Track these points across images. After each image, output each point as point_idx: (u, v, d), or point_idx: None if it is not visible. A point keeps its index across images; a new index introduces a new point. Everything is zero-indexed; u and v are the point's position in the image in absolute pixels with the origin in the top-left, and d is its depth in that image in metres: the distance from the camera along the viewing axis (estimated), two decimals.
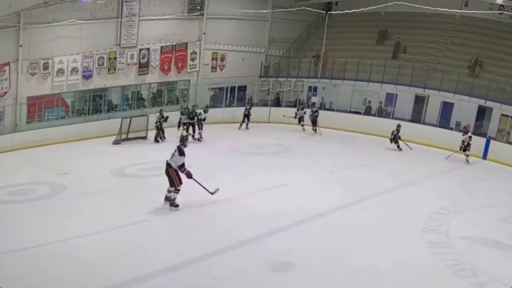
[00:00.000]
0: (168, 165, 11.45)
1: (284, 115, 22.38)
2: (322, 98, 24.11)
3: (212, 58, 24.19)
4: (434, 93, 21.24)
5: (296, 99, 24.49)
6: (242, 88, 24.82)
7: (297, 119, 21.68)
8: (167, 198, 11.74)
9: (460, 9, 19.87)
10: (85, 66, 19.66)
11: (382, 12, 24.66)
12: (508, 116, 18.88)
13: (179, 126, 20.35)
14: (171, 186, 11.57)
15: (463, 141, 17.66)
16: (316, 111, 21.40)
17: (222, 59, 24.44)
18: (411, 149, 18.93)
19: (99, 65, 20.07)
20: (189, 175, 11.55)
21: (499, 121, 19.25)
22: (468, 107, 20.14)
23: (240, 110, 22.26)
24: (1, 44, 17.14)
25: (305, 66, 24.97)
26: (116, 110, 21.14)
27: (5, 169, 14.48)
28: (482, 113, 20.09)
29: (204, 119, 19.30)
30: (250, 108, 21.85)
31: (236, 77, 24.28)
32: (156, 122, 18.93)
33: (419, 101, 21.82)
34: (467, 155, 17.60)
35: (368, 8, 19.85)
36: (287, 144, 19.25)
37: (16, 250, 9.18)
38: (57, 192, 12.82)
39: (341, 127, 21.91)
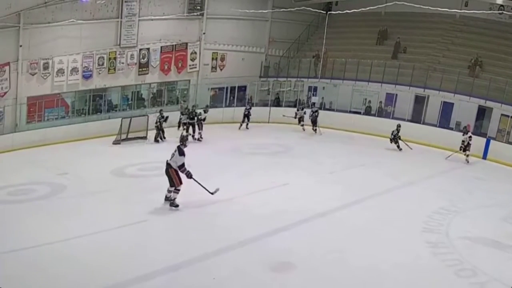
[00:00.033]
0: (168, 165, 11.46)
1: (284, 115, 22.38)
2: (322, 98, 24.11)
3: (212, 58, 24.19)
4: (434, 93, 21.24)
5: (296, 99, 24.49)
6: (242, 88, 24.82)
7: (297, 119, 21.68)
8: (167, 198, 11.74)
9: (460, 9, 19.87)
10: (85, 66, 19.66)
11: (382, 12, 24.66)
12: (508, 116, 18.88)
13: (179, 126, 20.34)
14: (171, 186, 11.58)
15: (463, 141, 17.67)
16: (316, 111, 21.40)
17: (222, 59, 24.44)
18: (411, 149, 18.93)
19: (99, 65, 20.07)
20: (189, 175, 11.56)
21: (499, 121, 19.24)
22: (468, 107, 20.14)
23: (240, 110, 22.26)
24: (1, 44, 17.14)
25: (305, 66, 24.96)
26: (116, 110, 21.14)
27: (5, 169, 14.48)
28: (482, 113, 20.09)
29: (204, 119, 19.29)
30: (250, 108, 21.86)
31: (236, 77, 24.28)
32: (156, 122, 18.93)
33: (419, 101, 21.82)
34: (467, 155, 17.59)
35: (368, 8, 19.85)
36: (287, 144, 19.25)
37: (16, 250, 9.18)
38: (57, 192, 12.82)
39: (341, 127, 21.91)
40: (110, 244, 9.77)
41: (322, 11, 25.54)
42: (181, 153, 11.41)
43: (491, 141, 18.71)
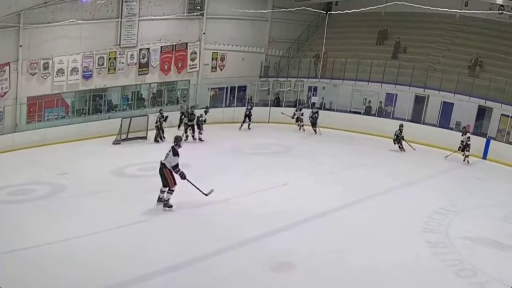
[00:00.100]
0: (163, 165, 11.38)
1: (282, 113, 22.40)
2: (322, 98, 24.12)
3: (212, 58, 24.19)
4: (434, 93, 21.24)
5: (296, 99, 24.50)
6: (242, 88, 24.83)
7: (294, 118, 21.62)
8: (160, 199, 11.66)
9: (460, 9, 19.87)
10: (85, 66, 19.66)
11: (382, 12, 24.66)
12: (508, 116, 18.88)
13: (179, 126, 20.33)
14: (164, 186, 11.49)
15: (462, 141, 17.66)
16: (317, 112, 21.30)
17: (222, 59, 24.44)
18: (414, 149, 18.84)
19: (99, 65, 20.08)
20: (182, 176, 11.47)
21: (499, 121, 19.24)
22: (468, 107, 20.15)
23: (240, 110, 22.27)
24: (1, 44, 17.14)
25: (305, 66, 24.97)
26: (116, 110, 21.14)
27: (5, 169, 14.48)
28: (482, 113, 20.09)
29: (204, 121, 19.24)
30: (251, 108, 21.85)
31: (236, 77, 24.28)
32: (156, 122, 18.93)
33: (419, 101, 21.82)
34: (467, 156, 17.57)
35: (368, 8, 19.84)
36: (287, 144, 19.25)
37: (16, 250, 9.18)
38: (57, 192, 12.82)
39: (341, 127, 21.91)
40: (110, 244, 9.76)
41: (322, 11, 25.54)
42: (175, 153, 11.34)
43: (491, 141, 18.70)
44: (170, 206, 11.51)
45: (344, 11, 21.85)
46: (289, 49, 26.24)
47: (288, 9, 23.70)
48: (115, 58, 20.54)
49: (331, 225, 11.37)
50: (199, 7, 22.66)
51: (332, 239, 10.56)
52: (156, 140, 18.73)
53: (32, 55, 18.10)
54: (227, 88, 24.23)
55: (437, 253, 10.08)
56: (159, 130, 18.87)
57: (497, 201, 13.52)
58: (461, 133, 18.05)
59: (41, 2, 17.45)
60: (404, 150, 18.75)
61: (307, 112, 21.62)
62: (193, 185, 11.64)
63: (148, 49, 21.57)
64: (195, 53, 23.39)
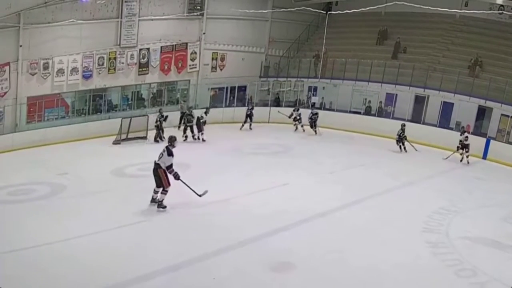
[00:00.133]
0: (157, 165, 11.33)
1: (279, 112, 22.40)
2: (322, 98, 24.13)
3: (212, 58, 24.20)
4: (434, 93, 21.24)
5: (296, 99, 24.50)
6: (242, 88, 24.83)
7: (292, 118, 21.58)
8: (153, 200, 11.62)
9: (460, 9, 19.87)
10: (85, 66, 19.66)
11: (382, 12, 24.66)
12: (508, 116, 18.88)
13: (179, 126, 20.32)
14: (158, 186, 11.44)
15: (460, 141, 17.63)
16: (316, 113, 21.21)
17: (222, 59, 24.45)
18: (417, 150, 18.77)
19: (99, 65, 20.08)
20: (176, 177, 11.41)
21: (499, 121, 19.24)
22: (468, 107, 20.15)
23: (240, 110, 22.26)
24: (1, 44, 17.14)
25: (305, 66, 24.97)
26: (116, 110, 21.14)
27: (5, 169, 14.48)
28: (482, 113, 20.09)
29: (204, 122, 19.20)
30: (252, 108, 21.86)
31: (236, 77, 24.28)
32: (156, 122, 18.93)
33: (419, 101, 21.82)
34: (467, 156, 17.55)
35: (368, 8, 19.86)
36: (287, 144, 19.25)
37: (16, 250, 9.18)
38: (57, 192, 12.82)
39: (341, 127, 21.91)
40: (110, 244, 9.76)
41: (322, 11, 25.55)
42: (170, 153, 11.29)
43: (491, 141, 18.70)
44: (164, 207, 11.46)
45: (344, 11, 21.87)
46: (289, 49, 26.24)
47: (288, 9, 23.70)
48: (115, 58, 20.54)
49: (331, 225, 11.37)
50: (199, 7, 22.66)
51: (332, 239, 10.56)
52: (156, 140, 18.72)
53: (32, 55, 18.10)
54: (227, 88, 24.23)
55: (437, 253, 10.08)
56: (159, 130, 18.86)
57: (497, 201, 13.52)
58: (459, 133, 18.03)
59: (41, 2, 17.45)
60: (406, 151, 18.69)
61: (305, 112, 21.53)
62: (187, 185, 11.58)
63: (148, 49, 21.57)
64: (195, 53, 23.40)
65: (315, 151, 18.50)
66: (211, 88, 24.19)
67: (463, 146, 17.47)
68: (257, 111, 22.39)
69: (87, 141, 18.45)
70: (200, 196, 11.71)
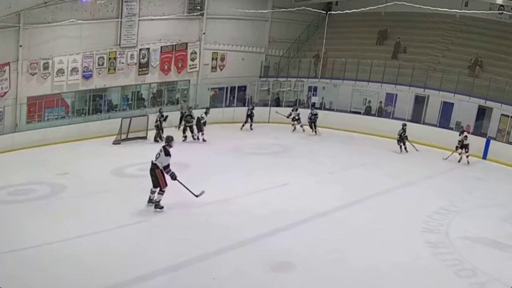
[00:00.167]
0: (155, 165, 11.29)
1: (277, 112, 22.38)
2: (322, 98, 24.13)
3: (212, 58, 24.19)
4: (434, 93, 21.24)
5: (296, 99, 24.50)
6: (242, 88, 24.83)
7: (290, 118, 21.54)
8: (150, 200, 11.58)
9: (460, 9, 19.85)
10: (85, 66, 19.66)
11: (382, 12, 24.66)
12: (508, 116, 18.87)
13: (179, 127, 20.31)
14: (155, 187, 11.41)
15: (459, 141, 17.59)
16: (316, 114, 21.16)
17: (222, 59, 24.45)
18: (418, 150, 18.72)
19: (99, 65, 20.08)
20: (173, 177, 11.36)
21: (499, 121, 19.24)
22: (468, 107, 20.15)
23: (240, 110, 22.25)
24: (1, 44, 17.14)
25: (305, 66, 24.97)
26: (116, 110, 21.14)
27: (5, 169, 14.47)
28: (482, 113, 20.09)
29: (204, 123, 19.18)
30: (253, 108, 21.81)
31: (236, 77, 24.29)
32: (156, 121, 18.94)
33: (419, 101, 21.82)
34: (467, 156, 17.54)
35: (368, 8, 19.86)
36: (287, 144, 19.25)
37: (16, 250, 9.18)
38: (57, 192, 12.82)
39: (341, 127, 21.91)
40: (110, 244, 9.76)
41: (322, 11, 25.55)
42: (167, 153, 11.24)
43: (491, 141, 18.69)
44: (161, 207, 11.43)
45: (344, 11, 21.85)
46: (289, 49, 26.24)
47: (288, 9, 23.70)
48: (115, 58, 20.54)
49: (331, 225, 11.37)
50: (199, 7, 22.65)
51: (332, 239, 10.56)
52: (156, 140, 18.70)
53: (32, 55, 18.10)
54: (227, 88, 24.22)
55: (437, 253, 10.08)
56: (159, 129, 18.86)
57: (497, 201, 13.52)
58: (458, 133, 18.03)
59: (41, 2, 17.45)
60: (407, 151, 18.66)
61: (305, 112, 21.49)
62: (184, 186, 11.55)
63: (148, 49, 21.57)
64: (195, 53, 23.40)
65: (315, 151, 18.50)
66: (211, 88, 24.19)
67: (462, 146, 17.45)
68: (257, 111, 22.37)
69: (87, 141, 18.45)
70: (197, 196, 11.68)
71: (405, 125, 18.80)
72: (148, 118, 19.34)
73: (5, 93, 17.68)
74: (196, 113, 19.37)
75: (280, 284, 8.73)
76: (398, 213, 12.19)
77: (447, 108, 20.93)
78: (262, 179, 14.32)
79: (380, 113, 22.61)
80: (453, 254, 10.06)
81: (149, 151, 17.24)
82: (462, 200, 13.43)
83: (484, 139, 18.82)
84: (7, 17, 16.68)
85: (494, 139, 18.88)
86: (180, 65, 22.93)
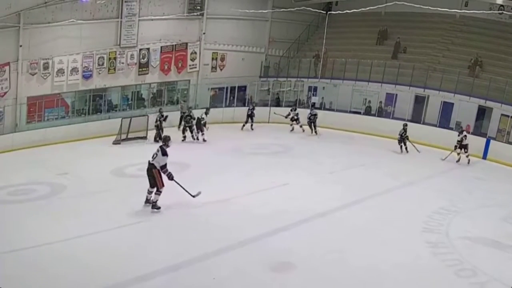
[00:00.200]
0: (152, 165, 11.26)
1: (275, 113, 22.36)
2: (322, 98, 24.13)
3: (212, 58, 24.20)
4: (434, 93, 21.24)
5: (296, 99, 24.50)
6: (242, 88, 24.84)
7: (289, 118, 21.49)
8: (147, 200, 11.55)
9: (460, 9, 19.85)
10: (85, 66, 19.67)
11: (382, 12, 24.67)
12: (508, 116, 18.88)
13: (179, 126, 20.32)
14: (151, 187, 11.38)
15: (458, 141, 17.55)
16: (315, 114, 21.10)
17: (222, 59, 24.45)
18: (419, 151, 18.59)
19: (99, 65, 20.08)
20: (170, 177, 11.33)
21: (499, 121, 19.24)
22: (468, 107, 20.15)
23: (240, 110, 22.24)
24: (1, 44, 17.15)
25: (305, 66, 24.98)
26: (116, 110, 21.15)
27: (5, 169, 14.48)
28: (482, 113, 20.09)
29: (205, 124, 19.16)
30: (253, 108, 21.76)
31: (236, 77, 24.29)
32: (156, 121, 18.94)
33: (419, 101, 21.83)
34: (467, 156, 17.52)
35: (368, 8, 19.86)
36: (287, 144, 19.25)
37: (16, 250, 9.18)
38: (57, 192, 12.82)
39: (341, 127, 21.92)
40: (110, 244, 9.76)
41: (322, 11, 25.55)
42: (164, 153, 11.23)
43: (491, 141, 18.70)
44: (158, 208, 11.39)
45: (344, 11, 21.85)
46: (289, 49, 26.24)
47: (288, 9, 23.71)
48: (115, 58, 20.54)
49: (331, 225, 11.37)
50: (199, 7, 22.66)
51: (332, 239, 10.55)
52: (156, 140, 18.66)
53: (32, 55, 18.11)
54: (227, 88, 24.23)
55: (437, 253, 10.08)
56: (159, 129, 18.85)
57: (497, 201, 13.52)
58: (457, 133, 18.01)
59: (41, 2, 17.45)
60: (408, 152, 18.59)
61: (305, 112, 21.46)
62: (181, 186, 11.51)
63: (148, 49, 21.57)
64: (195, 53, 23.40)
65: (315, 151, 18.50)
66: (211, 88, 24.19)
67: (461, 146, 17.43)
68: (257, 111, 22.34)
69: (87, 141, 18.46)
70: (193, 196, 11.65)
71: (406, 125, 18.74)
72: (148, 118, 19.34)
73: (5, 93, 17.69)
74: (196, 113, 19.34)
75: (280, 284, 8.73)
76: (398, 213, 12.19)
77: (447, 108, 20.93)
78: (262, 179, 14.32)
79: (380, 113, 22.61)
80: (453, 254, 10.06)
81: (149, 151, 17.11)
82: (462, 200, 13.43)
83: (484, 139, 18.83)
84: (7, 17, 16.69)
85: (494, 139, 18.88)
86: (180, 65, 22.94)
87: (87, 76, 19.82)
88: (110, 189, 13.03)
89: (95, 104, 20.52)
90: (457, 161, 17.58)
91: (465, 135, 17.46)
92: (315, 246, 10.11)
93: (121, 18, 20.25)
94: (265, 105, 24.02)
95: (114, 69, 20.61)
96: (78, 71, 19.48)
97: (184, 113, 19.82)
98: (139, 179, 14.24)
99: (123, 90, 21.54)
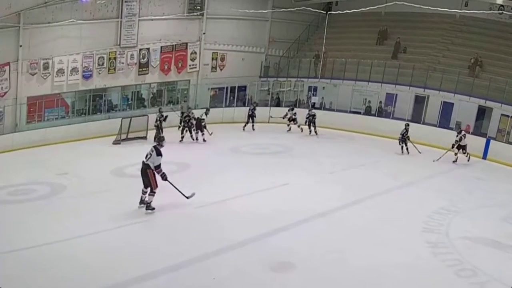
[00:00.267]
0: (146, 165, 11.21)
1: (271, 116, 22.31)
2: (322, 98, 24.14)
3: (212, 58, 24.21)
4: (434, 93, 21.23)
5: (296, 99, 24.50)
6: (242, 88, 24.84)
7: (286, 118, 21.42)
8: (142, 201, 11.48)
9: (460, 9, 19.85)
10: (85, 66, 19.68)
11: (382, 12, 24.65)
12: (508, 116, 18.86)
13: (179, 126, 20.30)
14: (146, 187, 11.34)
15: (456, 140, 17.48)
16: (313, 114, 20.97)
17: (222, 59, 24.46)
18: (420, 152, 18.45)
19: (99, 65, 20.09)
20: (164, 177, 11.29)
21: (499, 121, 19.22)
22: (468, 107, 20.15)
23: (240, 110, 22.22)
24: (1, 44, 17.16)
25: (305, 66, 24.97)
26: (116, 110, 21.16)
27: (5, 169, 14.49)
28: (482, 113, 20.08)
29: (205, 126, 19.14)
30: (254, 109, 21.66)
31: (236, 77, 24.29)
32: (156, 121, 18.93)
33: (419, 101, 21.82)
34: (467, 155, 17.50)
35: (368, 8, 19.86)
36: (287, 144, 19.25)
37: (16, 250, 9.19)
38: (57, 192, 12.83)
39: (341, 127, 21.92)
40: (110, 244, 9.76)
41: (322, 11, 25.54)
42: (159, 153, 11.18)
43: (491, 141, 18.67)
44: (153, 209, 11.34)
45: (344, 11, 21.84)
46: (289, 49, 26.24)
47: (288, 9, 23.71)
48: (115, 58, 20.55)
49: (331, 225, 11.37)
50: (199, 7, 22.67)
51: (332, 239, 10.55)
52: (156, 140, 18.67)
53: (32, 55, 18.12)
54: (227, 88, 24.23)
55: (437, 253, 10.07)
56: (159, 129, 18.84)
57: (497, 201, 13.51)
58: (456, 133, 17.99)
59: (41, 2, 17.47)
60: (408, 153, 18.53)
61: (302, 112, 21.39)
62: (175, 187, 11.46)
63: (148, 49, 21.58)
64: (195, 53, 23.41)
65: (315, 151, 18.50)
66: (211, 88, 24.20)
67: (459, 146, 17.39)
68: (257, 111, 22.31)
69: (87, 141, 18.47)
70: (187, 198, 11.61)
71: (408, 125, 18.57)
72: (148, 118, 19.33)
73: (5, 93, 17.70)
74: (196, 113, 19.32)
75: (280, 284, 8.73)
76: (398, 213, 12.18)
77: (447, 108, 20.93)
78: (262, 179, 14.31)
79: (380, 113, 22.60)
80: (453, 254, 10.05)
81: None
82: (462, 200, 13.42)
83: (484, 139, 18.80)
84: (7, 17, 16.71)
85: (494, 139, 18.86)
86: (180, 65, 22.94)
87: (87, 76, 19.82)
88: (110, 189, 13.03)
89: (95, 104, 20.54)
90: (453, 161, 17.49)
91: (464, 135, 17.42)
92: (315, 246, 10.10)
93: (121, 18, 20.26)
94: (265, 105, 24.00)
95: (114, 69, 20.62)
96: (78, 71, 19.50)
97: (183, 113, 19.83)
98: (139, 179, 14.15)
99: (123, 90, 21.56)
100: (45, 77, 18.66)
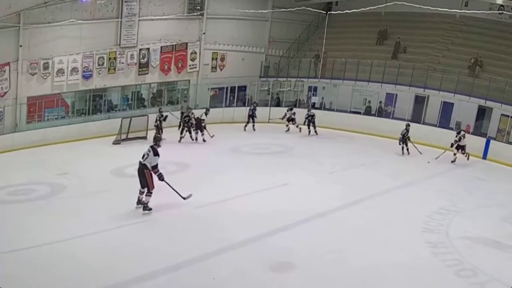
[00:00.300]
0: (144, 165, 11.17)
1: (270, 120, 22.24)
2: (322, 98, 24.14)
3: (212, 58, 24.21)
4: (434, 93, 21.23)
5: (296, 99, 24.49)
6: (242, 88, 24.84)
7: (285, 119, 21.41)
8: (139, 201, 11.46)
9: (460, 9, 19.85)
10: (85, 66, 19.69)
11: (382, 12, 24.66)
12: (508, 116, 18.86)
13: (179, 126, 20.30)
14: (143, 187, 11.32)
15: (455, 140, 17.47)
16: (313, 115, 20.96)
17: (222, 59, 24.46)
18: (421, 153, 18.36)
19: (99, 65, 20.09)
20: (161, 177, 11.26)
21: (499, 121, 19.23)
22: (468, 107, 20.15)
23: (240, 110, 22.21)
24: (1, 44, 17.17)
25: (305, 66, 24.98)
26: (116, 110, 21.17)
27: (5, 169, 14.49)
28: (482, 113, 20.09)
29: (205, 127, 19.14)
30: (255, 109, 21.62)
31: (236, 77, 24.30)
32: (156, 121, 18.93)
33: (419, 101, 21.82)
34: (466, 155, 17.49)
35: (368, 8, 19.87)
36: (287, 144, 19.25)
37: (16, 250, 9.18)
38: (57, 192, 12.83)
39: (341, 127, 21.92)
40: (110, 244, 9.76)
41: (322, 11, 25.54)
42: (156, 153, 11.14)
43: (491, 141, 18.67)
44: (150, 209, 11.31)
45: (344, 11, 21.85)
46: (289, 49, 26.25)
47: (288, 9, 23.71)
48: (115, 58, 20.55)
49: (331, 225, 11.37)
50: (199, 7, 22.67)
51: (332, 239, 10.55)
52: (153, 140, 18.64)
53: (32, 55, 18.12)
54: (227, 88, 24.23)
55: (437, 253, 10.07)
56: (159, 129, 18.84)
57: (497, 201, 13.51)
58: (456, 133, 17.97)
59: (41, 2, 17.47)
60: (409, 153, 18.45)
61: (300, 112, 21.35)
62: (171, 187, 11.45)
63: (148, 49, 21.58)
64: (195, 53, 23.41)
65: (315, 151, 18.50)
66: (211, 88, 24.20)
67: (458, 146, 17.37)
68: (257, 111, 22.30)
69: (87, 141, 18.48)
70: (184, 199, 11.60)
71: (409, 125, 18.52)
72: (148, 118, 19.33)
73: (5, 93, 17.70)
74: (196, 113, 19.31)
75: (280, 284, 8.73)
76: (398, 213, 12.18)
77: (447, 108, 20.93)
78: (262, 179, 14.31)
79: (380, 113, 22.61)
80: (453, 254, 10.05)
81: None
82: (462, 200, 13.42)
83: (484, 139, 18.80)
84: (7, 17, 16.71)
85: (494, 139, 18.86)
86: (180, 65, 22.94)
87: (87, 76, 19.83)
88: (110, 189, 13.03)
89: (95, 104, 20.54)
90: (452, 161, 17.47)
91: (464, 135, 17.40)
92: (315, 246, 10.10)
93: (121, 18, 20.26)
94: (265, 105, 23.99)
95: (114, 69, 20.62)
96: (78, 71, 19.50)
97: (183, 113, 19.83)
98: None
99: (123, 90, 21.56)
100: (45, 77, 18.66)
